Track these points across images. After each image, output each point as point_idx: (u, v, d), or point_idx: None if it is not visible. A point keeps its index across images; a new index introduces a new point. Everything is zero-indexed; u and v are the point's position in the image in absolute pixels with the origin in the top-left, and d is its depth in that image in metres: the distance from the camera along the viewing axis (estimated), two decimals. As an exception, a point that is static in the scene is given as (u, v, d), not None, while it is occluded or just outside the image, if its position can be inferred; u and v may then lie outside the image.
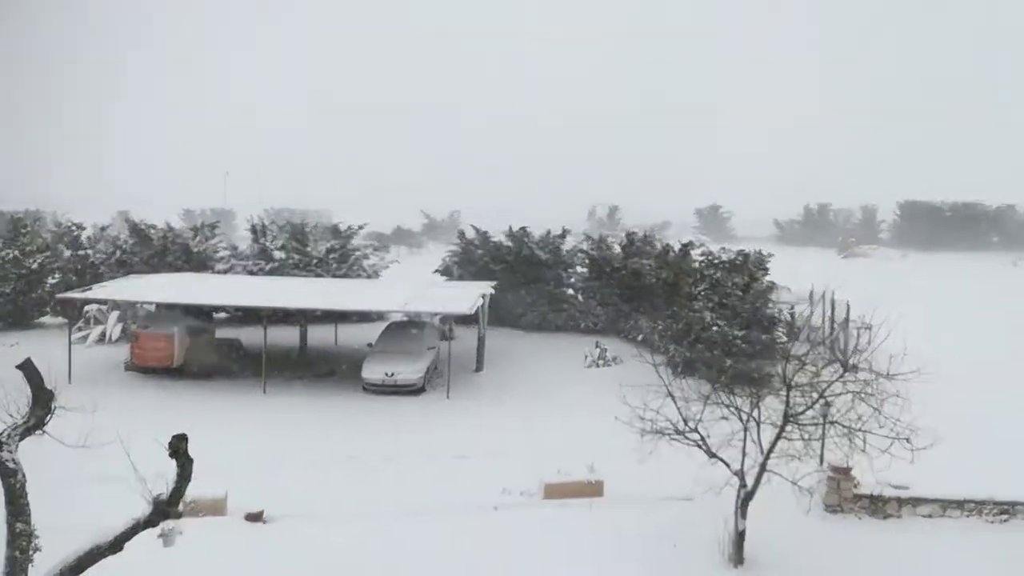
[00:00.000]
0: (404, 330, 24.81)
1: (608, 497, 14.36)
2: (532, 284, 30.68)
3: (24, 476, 8.07)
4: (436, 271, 33.52)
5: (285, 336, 26.95)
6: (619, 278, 29.60)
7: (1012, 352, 26.08)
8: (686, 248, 28.13)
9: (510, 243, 31.60)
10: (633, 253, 30.21)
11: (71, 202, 72.23)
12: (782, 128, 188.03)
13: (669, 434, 11.93)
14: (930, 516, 13.69)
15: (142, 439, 9.35)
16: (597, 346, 26.18)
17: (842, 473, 13.63)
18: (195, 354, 23.68)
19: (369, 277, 33.22)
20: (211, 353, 24.44)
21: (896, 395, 11.76)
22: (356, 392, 22.15)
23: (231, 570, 11.60)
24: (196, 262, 31.90)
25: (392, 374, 21.92)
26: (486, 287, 25.96)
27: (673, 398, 12.16)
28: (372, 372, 22.17)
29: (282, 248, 32.30)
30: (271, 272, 31.12)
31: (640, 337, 27.40)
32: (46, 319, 30.68)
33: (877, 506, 13.75)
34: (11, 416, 8.44)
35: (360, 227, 35.89)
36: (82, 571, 7.51)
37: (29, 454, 8.26)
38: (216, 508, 13.22)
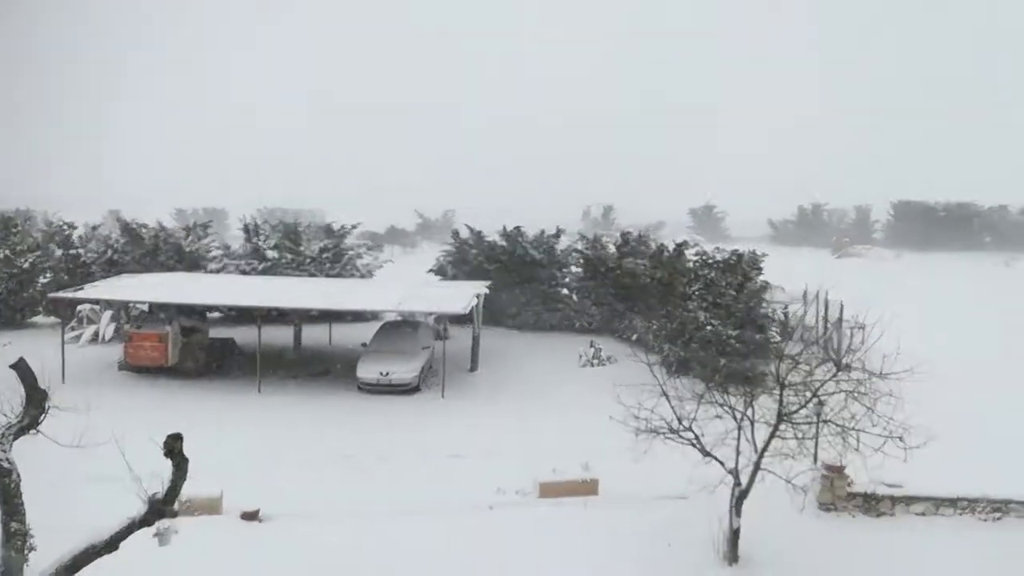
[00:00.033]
0: (399, 330, 24.80)
1: (603, 496, 14.39)
2: (526, 284, 30.70)
3: (19, 476, 8.05)
4: (430, 271, 33.51)
5: (279, 336, 26.91)
6: (614, 278, 29.65)
7: (1005, 352, 26.24)
8: (680, 248, 28.20)
9: (504, 243, 31.62)
10: (628, 253, 30.26)
11: (71, 202, 71.94)
12: (782, 128, 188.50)
13: (664, 433, 11.96)
14: (923, 514, 13.77)
15: (137, 439, 9.32)
16: (592, 345, 26.22)
17: (836, 471, 13.68)
18: (189, 354, 23.61)
19: (362, 277, 33.19)
20: (205, 353, 24.38)
21: (889, 394, 11.81)
22: (351, 392, 22.13)
23: (226, 569, 11.58)
24: (188, 262, 31.81)
25: (387, 373, 21.91)
26: (480, 287, 25.96)
27: (667, 397, 12.18)
28: (367, 372, 22.15)
29: (275, 247, 32.24)
30: (264, 272, 31.06)
31: (634, 336, 27.46)
32: (38, 319, 30.55)
33: (871, 504, 13.81)
34: (5, 416, 8.42)
35: (353, 227, 35.85)
36: (77, 570, 7.50)
37: (23, 454, 8.24)
38: (211, 507, 13.21)
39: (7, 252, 29.77)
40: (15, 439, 8.09)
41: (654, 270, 27.50)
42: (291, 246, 32.29)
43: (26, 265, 30.09)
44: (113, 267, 30.69)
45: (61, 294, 24.32)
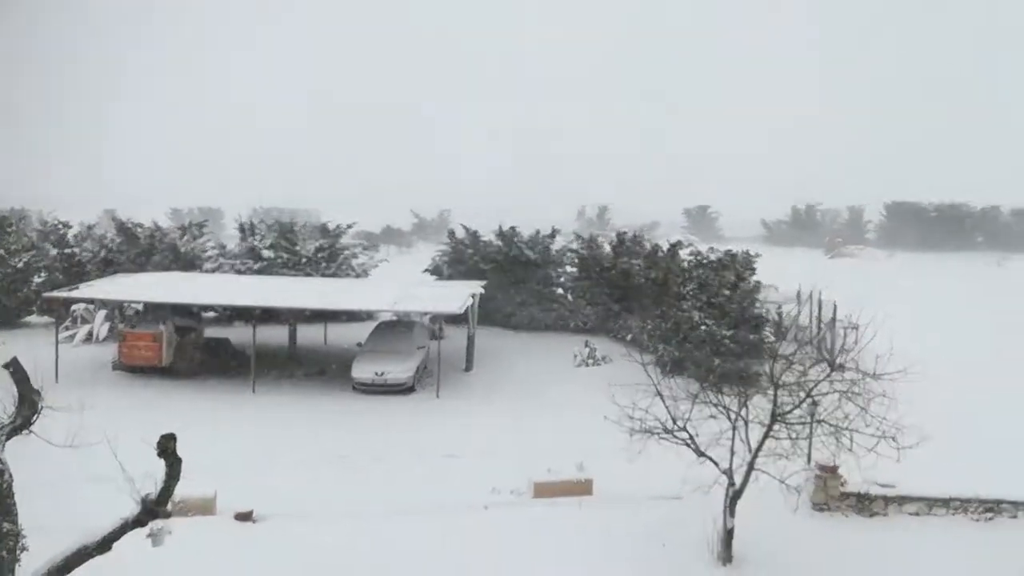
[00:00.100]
0: (394, 329, 24.78)
1: (597, 496, 14.41)
2: (522, 283, 30.71)
3: (11, 476, 8.03)
4: (426, 270, 33.49)
5: (274, 335, 26.87)
6: (609, 277, 29.69)
7: (997, 352, 26.35)
8: (675, 248, 28.25)
9: (500, 243, 31.63)
10: (623, 253, 30.30)
11: (71, 202, 71.90)
12: (782, 128, 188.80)
13: (658, 433, 11.99)
14: (916, 514, 13.84)
15: (130, 439, 9.31)
16: (586, 345, 26.25)
17: (829, 471, 13.74)
18: (183, 353, 23.56)
19: (358, 276, 33.15)
20: (199, 352, 24.34)
21: (882, 395, 11.86)
22: (346, 391, 22.11)
23: (221, 569, 11.57)
24: (184, 261, 31.75)
25: (382, 373, 21.90)
26: (476, 286, 25.97)
27: (662, 397, 12.22)
28: (362, 371, 22.13)
29: (271, 247, 32.19)
30: (259, 271, 31.00)
31: (629, 336, 27.49)
32: (32, 318, 30.43)
33: (864, 504, 13.87)
34: (-2, 416, 8.38)
35: (349, 226, 35.81)
36: (70, 571, 7.47)
37: (16, 454, 8.21)
38: (205, 508, 13.18)
39: (1, 251, 29.66)
40: (8, 439, 8.06)
41: (649, 270, 27.53)
42: (287, 246, 32.23)
43: (20, 264, 29.96)
44: (108, 267, 30.61)
45: (55, 293, 24.25)
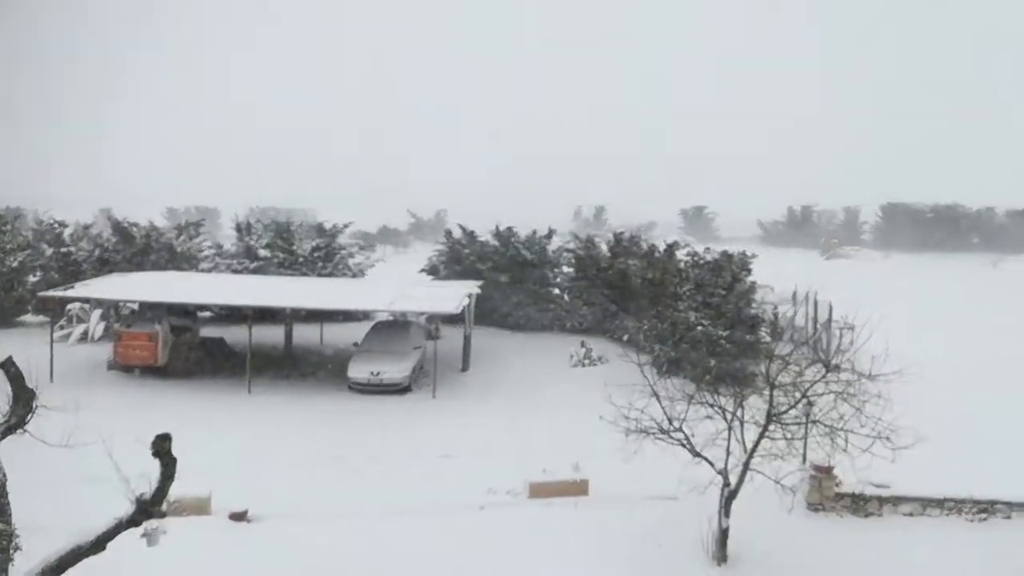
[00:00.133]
0: (390, 329, 24.77)
1: (593, 496, 14.42)
2: (518, 284, 30.71)
3: (4, 475, 8.00)
4: (422, 270, 33.48)
5: (270, 335, 26.83)
6: (605, 278, 29.71)
7: (992, 353, 26.42)
8: (671, 248, 28.28)
9: (496, 243, 31.63)
10: (620, 253, 30.32)
11: (71, 202, 71.77)
12: (782, 128, 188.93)
13: (654, 433, 11.99)
14: (911, 514, 13.86)
15: (125, 438, 9.26)
16: (583, 346, 26.26)
17: (824, 472, 13.76)
18: (179, 353, 23.51)
19: (354, 276, 33.13)
20: (195, 352, 24.29)
21: (878, 396, 11.88)
22: (342, 391, 22.09)
23: (215, 570, 11.55)
24: (180, 261, 31.69)
25: (378, 373, 21.88)
26: (472, 286, 25.97)
27: (658, 397, 12.22)
28: (358, 371, 22.11)
29: (267, 247, 32.15)
30: (255, 271, 30.97)
31: (625, 337, 27.51)
32: (27, 317, 30.35)
33: (859, 504, 13.89)
34: (-8, 415, 8.35)
35: (345, 226, 35.79)
36: (63, 571, 7.45)
37: (10, 453, 8.19)
38: (200, 507, 13.15)
39: (-4, 250, 29.60)
40: (2, 438, 8.03)
41: (645, 270, 27.57)
42: (283, 245, 32.20)
43: (16, 264, 29.89)
44: (104, 266, 30.54)
45: (51, 293, 24.18)
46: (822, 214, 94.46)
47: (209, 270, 31.68)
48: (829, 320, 24.77)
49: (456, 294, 23.84)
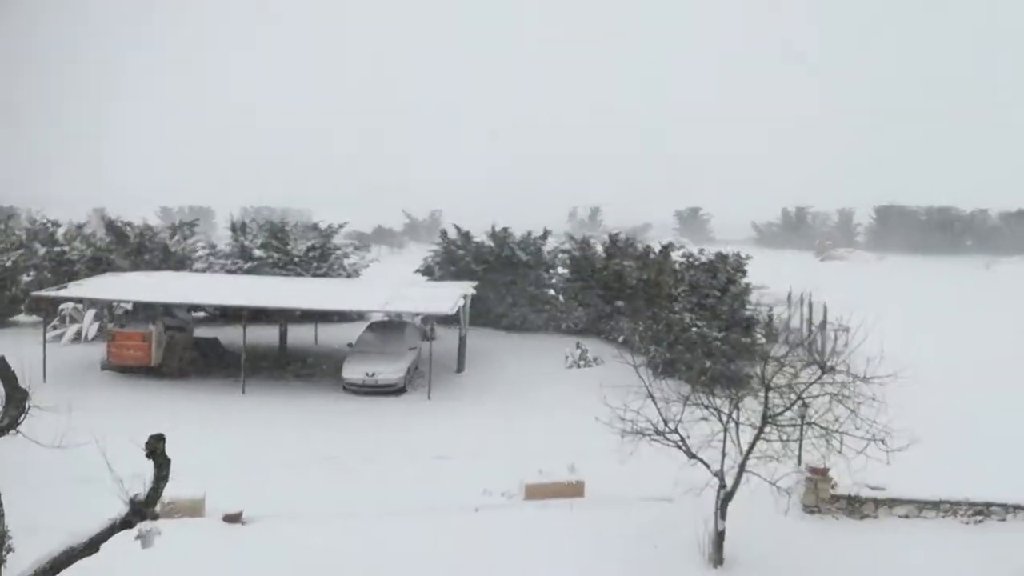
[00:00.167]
0: (385, 330, 24.71)
1: (589, 498, 14.40)
2: (514, 285, 30.70)
3: (-3, 477, 7.94)
4: (417, 271, 33.43)
5: (264, 335, 26.76)
6: (601, 279, 29.70)
7: (986, 355, 26.51)
8: (666, 249, 28.30)
9: (492, 243, 31.60)
10: (615, 254, 30.33)
11: (72, 202, 71.63)
12: (782, 128, 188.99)
13: (649, 435, 11.98)
14: (906, 516, 13.89)
15: (119, 439, 9.22)
16: (578, 347, 26.25)
17: (819, 474, 13.77)
18: (173, 353, 23.42)
19: (349, 276, 33.07)
20: (189, 352, 24.20)
21: (872, 398, 11.90)
22: (336, 392, 22.03)
23: (210, 571, 11.49)
24: (174, 261, 31.58)
25: (373, 374, 21.82)
26: (467, 287, 25.93)
27: (653, 399, 12.21)
28: (352, 372, 22.05)
29: (262, 247, 32.06)
30: (250, 271, 30.87)
31: (621, 338, 27.51)
32: (20, 317, 30.20)
33: (854, 506, 13.91)
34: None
35: (340, 226, 35.70)
36: (56, 573, 7.40)
37: (2, 454, 8.14)
38: (194, 509, 13.09)
39: (-12, 250, 29.45)
40: (-6, 440, 7.98)
41: (640, 271, 27.58)
42: (278, 245, 32.12)
43: (8, 263, 29.74)
44: (98, 266, 30.41)
45: (44, 292, 24.05)
46: (816, 216, 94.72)
47: (203, 270, 31.58)
48: (824, 322, 24.81)
49: (451, 295, 23.80)
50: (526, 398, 21.73)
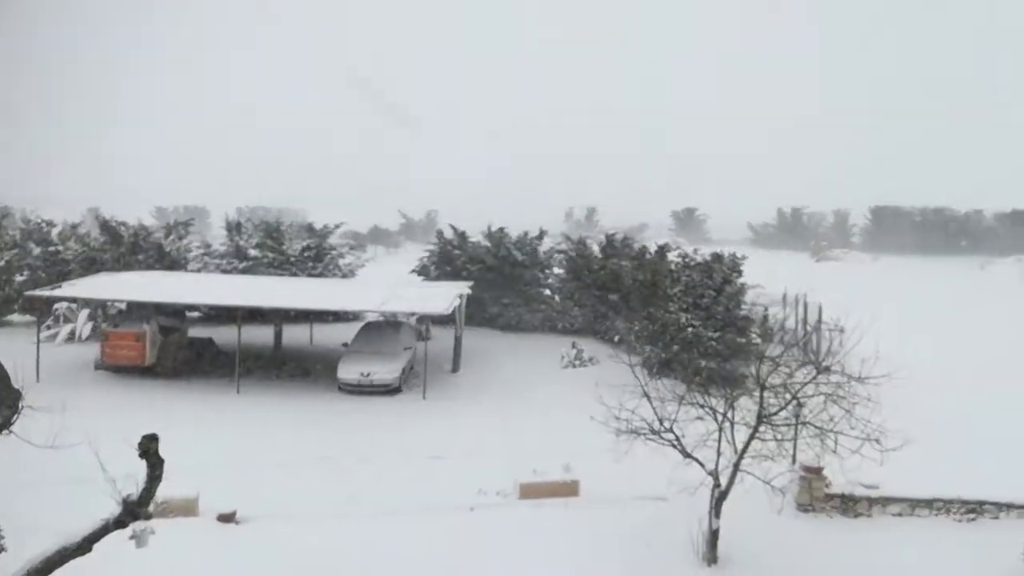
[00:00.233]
0: (380, 330, 24.69)
1: (584, 497, 14.41)
2: (509, 285, 30.70)
3: (-10, 476, 7.92)
4: (413, 271, 33.41)
5: (259, 335, 26.71)
6: (597, 279, 29.73)
7: (980, 355, 26.58)
8: (662, 250, 28.33)
9: (488, 243, 31.60)
10: (611, 254, 30.36)
11: (72, 202, 71.47)
12: (782, 128, 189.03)
13: (644, 434, 11.99)
14: (900, 515, 13.94)
15: (112, 439, 9.19)
16: (574, 346, 26.26)
17: (814, 473, 13.81)
18: (167, 353, 23.36)
19: (344, 276, 33.03)
20: (183, 352, 24.14)
21: (867, 398, 11.92)
22: (331, 392, 22.00)
23: (203, 571, 11.46)
24: (169, 260, 31.50)
25: (368, 374, 21.80)
26: (463, 287, 25.92)
27: (649, 398, 12.23)
28: (347, 372, 22.02)
29: (257, 246, 32.01)
30: (245, 271, 30.82)
31: (616, 338, 27.54)
32: (14, 317, 30.11)
33: (848, 505, 13.95)
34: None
35: (336, 226, 35.66)
36: (49, 573, 7.37)
37: (-5, 454, 8.10)
38: (188, 509, 13.06)
39: (-18, 249, 29.35)
40: (-13, 439, 7.94)
41: (636, 272, 27.61)
42: (273, 245, 32.08)
43: (2, 263, 29.65)
44: (92, 265, 30.33)
45: (38, 292, 23.97)
46: (812, 216, 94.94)
47: (198, 270, 31.51)
48: (819, 322, 24.85)
49: (447, 295, 23.80)
50: (521, 398, 21.74)
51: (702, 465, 11.89)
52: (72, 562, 7.41)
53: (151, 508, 7.71)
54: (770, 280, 28.93)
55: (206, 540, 12.30)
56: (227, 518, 13.07)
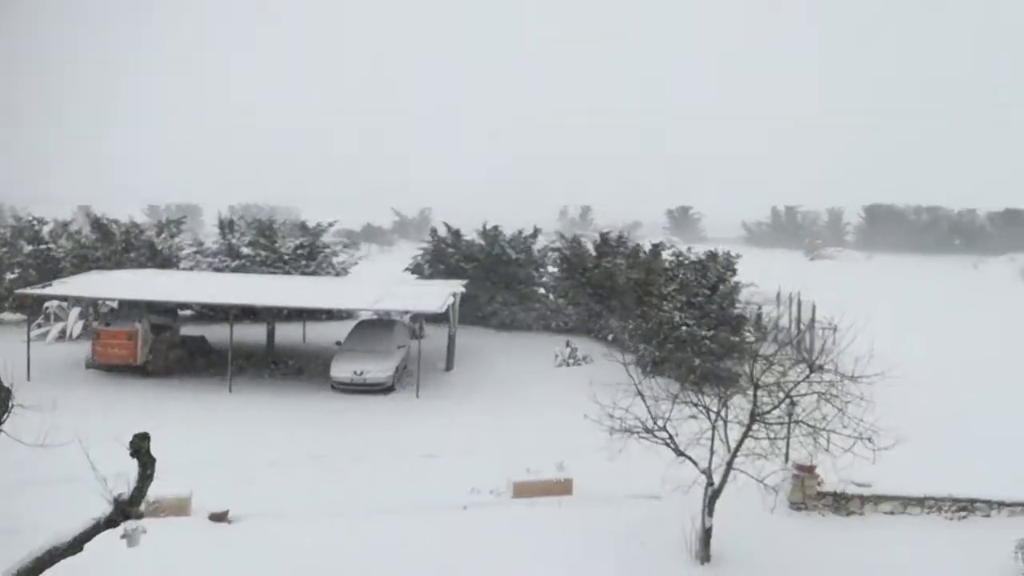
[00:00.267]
0: (373, 328, 24.62)
1: (577, 495, 14.41)
2: (503, 283, 30.67)
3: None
4: (406, 269, 33.35)
5: (252, 334, 26.63)
6: (591, 278, 29.73)
7: (973, 354, 26.70)
8: (657, 248, 28.34)
9: (482, 242, 31.56)
10: (606, 253, 30.36)
11: (72, 202, 71.29)
12: (782, 128, 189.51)
13: (638, 432, 12.00)
14: (891, 513, 13.99)
15: (103, 438, 9.15)
16: (568, 345, 26.26)
17: (806, 471, 13.84)
18: (159, 352, 23.26)
19: (338, 274, 32.95)
20: (175, 351, 24.04)
21: (860, 397, 11.96)
22: (324, 391, 21.94)
23: (195, 571, 11.42)
24: (161, 259, 31.37)
25: (361, 373, 21.75)
26: (457, 285, 25.89)
27: (642, 397, 12.22)
28: (341, 371, 21.97)
29: (250, 245, 31.90)
30: (237, 269, 30.71)
31: (610, 336, 27.55)
32: (4, 315, 29.93)
33: (840, 503, 14.00)
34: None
35: (330, 224, 35.56)
36: (39, 573, 7.33)
37: (-15, 453, 8.05)
38: (180, 508, 13.01)
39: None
40: (-24, 438, 7.89)
41: (630, 270, 27.62)
42: (266, 243, 31.97)
43: (-8, 260, 29.49)
44: (83, 263, 30.17)
45: (28, 290, 23.82)
46: (806, 215, 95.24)
47: (191, 268, 31.38)
48: (812, 321, 24.91)
49: (440, 293, 23.76)
50: (515, 396, 21.72)
51: (695, 463, 11.91)
52: (63, 561, 7.36)
53: (143, 507, 7.67)
54: (764, 279, 29.00)
55: (198, 539, 12.26)
56: (219, 517, 13.03)
